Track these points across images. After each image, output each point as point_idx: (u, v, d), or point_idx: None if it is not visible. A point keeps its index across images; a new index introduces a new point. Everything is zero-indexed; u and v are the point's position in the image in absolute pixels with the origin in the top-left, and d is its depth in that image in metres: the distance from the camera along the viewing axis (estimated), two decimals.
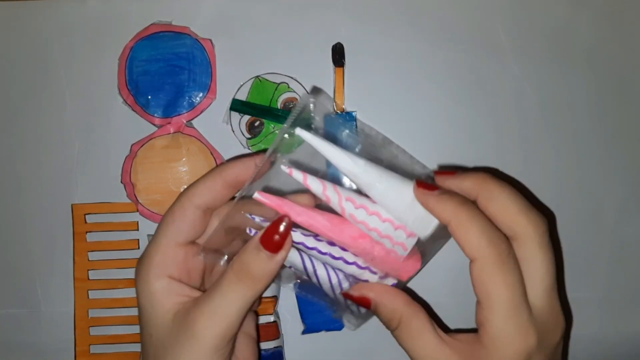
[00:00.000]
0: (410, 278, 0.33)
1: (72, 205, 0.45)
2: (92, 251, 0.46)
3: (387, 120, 0.46)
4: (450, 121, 0.46)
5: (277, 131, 0.45)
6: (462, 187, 0.31)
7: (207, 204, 0.34)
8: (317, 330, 0.46)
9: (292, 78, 0.46)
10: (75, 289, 0.45)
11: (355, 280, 0.33)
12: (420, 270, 0.33)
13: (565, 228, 0.46)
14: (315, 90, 0.41)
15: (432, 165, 0.46)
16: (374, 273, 0.33)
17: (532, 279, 0.29)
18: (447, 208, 0.29)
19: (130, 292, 0.46)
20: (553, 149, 0.47)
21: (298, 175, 0.31)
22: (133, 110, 0.45)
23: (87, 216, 0.46)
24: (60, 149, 0.46)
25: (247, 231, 0.33)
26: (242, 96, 0.46)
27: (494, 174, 0.31)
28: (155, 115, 0.45)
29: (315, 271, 0.33)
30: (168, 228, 0.34)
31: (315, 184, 0.32)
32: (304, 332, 0.46)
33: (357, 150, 0.33)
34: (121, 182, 0.45)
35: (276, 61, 0.46)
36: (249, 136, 0.46)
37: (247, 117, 0.46)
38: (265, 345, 0.44)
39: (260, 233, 0.31)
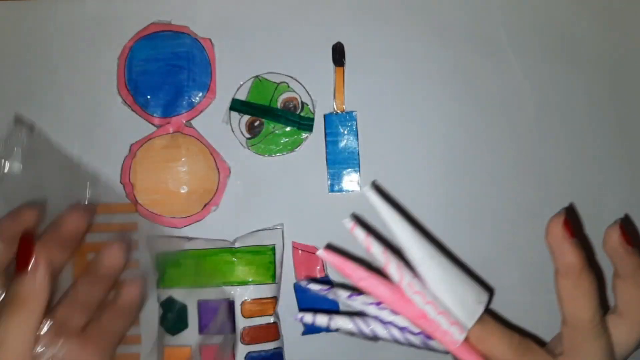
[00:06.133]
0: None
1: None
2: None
3: (387, 120, 0.46)
4: (451, 121, 0.46)
5: (277, 131, 0.45)
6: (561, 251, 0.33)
7: None
8: (317, 331, 0.46)
9: (292, 77, 0.45)
10: None
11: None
12: None
13: None
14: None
15: (436, 164, 0.46)
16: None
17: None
18: (578, 257, 0.32)
19: None
20: (555, 149, 0.46)
21: (360, 233, 0.32)
22: (132, 110, 0.45)
23: None
24: None
25: None
26: (242, 96, 0.46)
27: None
28: (155, 115, 0.45)
29: (373, 330, 0.34)
30: None
31: (375, 246, 0.32)
32: (304, 333, 0.46)
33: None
34: (120, 182, 0.45)
35: (276, 61, 0.45)
36: (249, 136, 0.46)
37: (246, 117, 0.46)
38: (265, 346, 0.43)
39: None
